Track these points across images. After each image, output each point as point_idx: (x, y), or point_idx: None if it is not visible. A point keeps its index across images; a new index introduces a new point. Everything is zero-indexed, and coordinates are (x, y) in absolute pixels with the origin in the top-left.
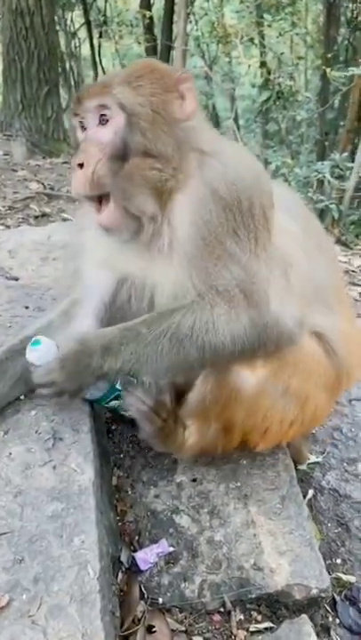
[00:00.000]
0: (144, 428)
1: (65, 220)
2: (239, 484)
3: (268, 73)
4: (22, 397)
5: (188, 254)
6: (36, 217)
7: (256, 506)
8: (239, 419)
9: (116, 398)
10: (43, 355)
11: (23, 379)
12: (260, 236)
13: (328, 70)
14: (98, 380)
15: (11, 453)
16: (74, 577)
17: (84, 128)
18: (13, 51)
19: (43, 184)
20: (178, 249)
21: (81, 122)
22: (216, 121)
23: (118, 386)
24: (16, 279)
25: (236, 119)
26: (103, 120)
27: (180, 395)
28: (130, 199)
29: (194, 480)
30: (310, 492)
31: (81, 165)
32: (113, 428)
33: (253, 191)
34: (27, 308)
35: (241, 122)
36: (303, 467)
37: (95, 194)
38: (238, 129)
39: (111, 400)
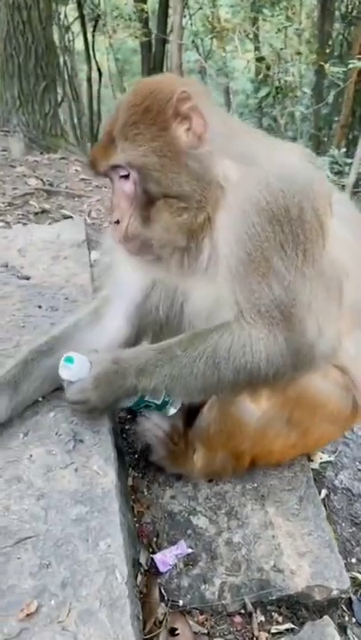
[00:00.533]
0: (157, 451)
1: (65, 217)
2: (256, 484)
3: (268, 68)
4: (41, 399)
5: (231, 270)
6: (36, 213)
7: (274, 507)
8: (245, 447)
9: (146, 407)
10: (76, 372)
11: (48, 380)
12: (310, 247)
13: (326, 66)
14: (127, 397)
15: (32, 455)
16: (102, 581)
17: (111, 180)
18: (10, 46)
19: (42, 180)
20: (220, 264)
21: (106, 176)
22: None
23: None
24: (27, 278)
25: (230, 114)
26: (123, 175)
27: (192, 415)
28: (164, 243)
29: (210, 481)
30: (323, 492)
31: (118, 221)
32: (127, 427)
33: (303, 195)
34: (39, 307)
35: (235, 117)
36: (315, 466)
37: (134, 244)
38: None
39: (141, 408)
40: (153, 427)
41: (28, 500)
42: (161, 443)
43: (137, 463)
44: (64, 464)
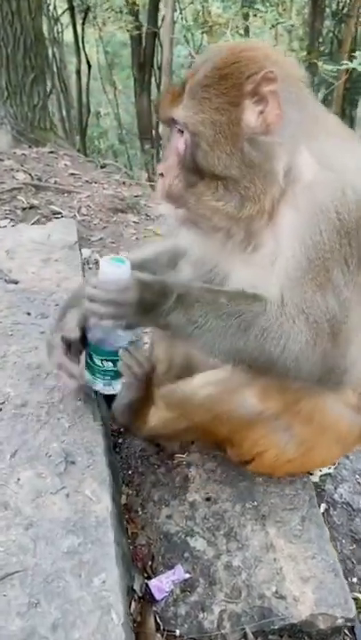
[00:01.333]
0: (125, 395)
1: (54, 213)
2: (256, 503)
3: None
4: (29, 413)
5: (288, 272)
6: (24, 209)
7: (275, 527)
8: (224, 432)
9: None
10: (123, 273)
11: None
12: None
13: (320, 63)
14: (154, 324)
15: (19, 479)
16: (96, 623)
17: (170, 130)
18: None
19: (30, 174)
20: (278, 262)
21: (167, 124)
22: None
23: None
24: (16, 282)
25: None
26: (180, 130)
27: None
28: (200, 219)
29: (208, 499)
30: (323, 507)
31: (162, 174)
32: (120, 441)
33: None
34: (28, 314)
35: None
36: (315, 479)
37: (173, 205)
38: None
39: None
40: (135, 363)
41: (15, 530)
42: (134, 384)
43: (131, 479)
44: (54, 489)
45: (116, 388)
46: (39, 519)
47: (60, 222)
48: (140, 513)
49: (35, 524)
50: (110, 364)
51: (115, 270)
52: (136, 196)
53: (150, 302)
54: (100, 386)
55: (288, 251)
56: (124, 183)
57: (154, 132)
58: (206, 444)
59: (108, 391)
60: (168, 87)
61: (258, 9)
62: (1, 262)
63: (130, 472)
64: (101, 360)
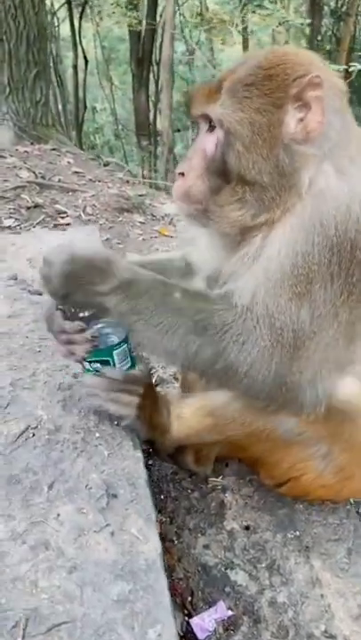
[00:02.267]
0: (123, 414)
1: (59, 212)
2: (298, 533)
3: None
4: (64, 439)
5: (267, 273)
6: (28, 208)
7: (320, 560)
8: (256, 448)
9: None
10: (84, 237)
11: None
12: (358, 292)
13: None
14: (89, 304)
15: (59, 515)
16: None
17: (198, 128)
18: (1, 30)
19: (34, 172)
20: (261, 263)
21: (195, 122)
22: None
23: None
24: (40, 293)
25: None
26: (211, 128)
27: None
28: (218, 222)
29: (247, 528)
30: None
31: (183, 174)
32: (150, 463)
33: None
34: None
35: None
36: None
37: (191, 207)
38: None
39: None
40: (101, 383)
41: (58, 574)
42: (117, 401)
43: (164, 505)
44: (98, 526)
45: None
46: (83, 561)
47: (82, 229)
48: (176, 542)
49: (79, 567)
50: (98, 365)
51: (77, 236)
52: (141, 196)
53: (82, 278)
54: None
55: (273, 251)
56: (127, 182)
57: (151, 127)
58: (240, 466)
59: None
60: (201, 84)
61: (261, 6)
62: (23, 271)
63: (162, 497)
64: (90, 363)
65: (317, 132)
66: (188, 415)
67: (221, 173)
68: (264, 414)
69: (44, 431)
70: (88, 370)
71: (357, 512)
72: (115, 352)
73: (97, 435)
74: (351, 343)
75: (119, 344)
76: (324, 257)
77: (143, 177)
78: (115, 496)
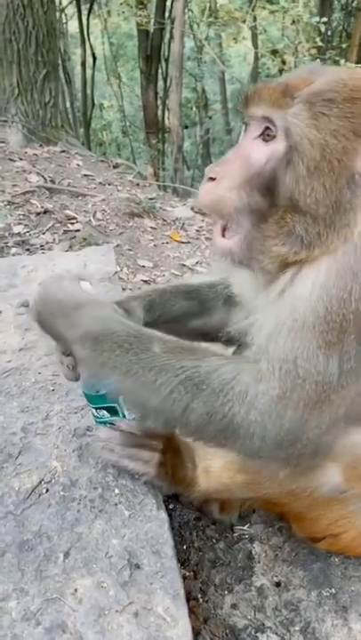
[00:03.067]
0: (142, 472)
1: (69, 218)
2: (334, 590)
3: (283, 63)
4: (80, 496)
5: (295, 314)
6: (38, 214)
7: (359, 622)
8: (294, 505)
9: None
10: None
11: None
12: None
13: (342, 61)
14: (64, 348)
15: (76, 590)
16: None
17: (247, 129)
18: (10, 30)
19: (43, 176)
20: (288, 301)
21: (245, 123)
22: (205, 103)
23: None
24: None
25: (225, 102)
26: (266, 135)
27: None
28: (259, 259)
29: (278, 584)
30: None
31: (214, 178)
32: (170, 507)
33: None
34: None
35: (230, 105)
36: None
37: (216, 218)
38: (227, 112)
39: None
40: (117, 437)
41: None
42: (136, 459)
43: (187, 558)
44: (120, 605)
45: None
46: None
47: (95, 250)
48: (201, 601)
49: None
50: (105, 412)
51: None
52: (151, 199)
53: (51, 319)
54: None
55: (304, 291)
56: (138, 185)
57: (160, 124)
58: (269, 513)
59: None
60: (266, 82)
61: (271, 1)
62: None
63: (185, 547)
64: (96, 409)
65: None
66: (218, 469)
67: (267, 193)
68: (309, 473)
69: (58, 486)
70: (98, 419)
71: None
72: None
73: (116, 491)
74: None
75: None
76: None
77: (154, 175)
78: (138, 567)
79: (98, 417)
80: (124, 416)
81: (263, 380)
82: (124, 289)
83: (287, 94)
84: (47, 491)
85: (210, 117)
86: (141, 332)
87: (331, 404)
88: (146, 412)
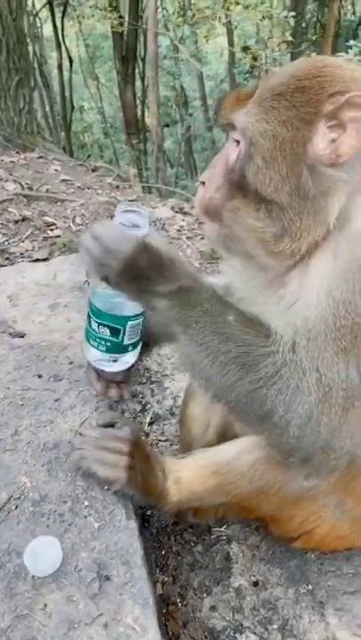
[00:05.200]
0: (113, 478)
1: (48, 224)
2: (311, 586)
3: (255, 59)
4: (50, 510)
5: (308, 322)
6: (16, 222)
7: (336, 617)
8: (266, 506)
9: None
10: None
11: None
12: None
13: (314, 54)
14: (139, 299)
15: (46, 605)
16: None
17: (226, 136)
18: None
19: (20, 184)
20: (298, 309)
21: (224, 128)
22: (185, 101)
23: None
24: (22, 335)
25: (204, 98)
26: (235, 139)
27: None
28: (234, 240)
29: (255, 584)
30: None
31: (203, 183)
32: (148, 514)
33: None
34: (40, 376)
35: (209, 102)
36: None
37: (209, 219)
38: (207, 109)
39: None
40: (93, 441)
41: None
42: (107, 464)
43: (165, 563)
44: (89, 617)
45: (112, 366)
46: None
47: (66, 259)
48: (180, 605)
49: None
50: (107, 330)
51: (127, 218)
52: (131, 201)
53: (141, 272)
54: (94, 356)
55: (312, 298)
56: (117, 187)
57: (140, 124)
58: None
59: (102, 367)
60: (234, 90)
61: None
62: (3, 310)
63: (163, 552)
64: (98, 325)
65: (348, 156)
66: (189, 478)
67: (240, 186)
68: (277, 467)
69: (27, 502)
70: (92, 336)
71: None
72: (129, 323)
73: (86, 503)
74: None
75: (136, 316)
76: None
77: (136, 176)
78: (107, 578)
79: (95, 333)
80: (123, 341)
81: (300, 380)
82: None
83: (248, 96)
84: (16, 507)
85: (190, 115)
86: (222, 298)
87: (356, 410)
88: (197, 374)
